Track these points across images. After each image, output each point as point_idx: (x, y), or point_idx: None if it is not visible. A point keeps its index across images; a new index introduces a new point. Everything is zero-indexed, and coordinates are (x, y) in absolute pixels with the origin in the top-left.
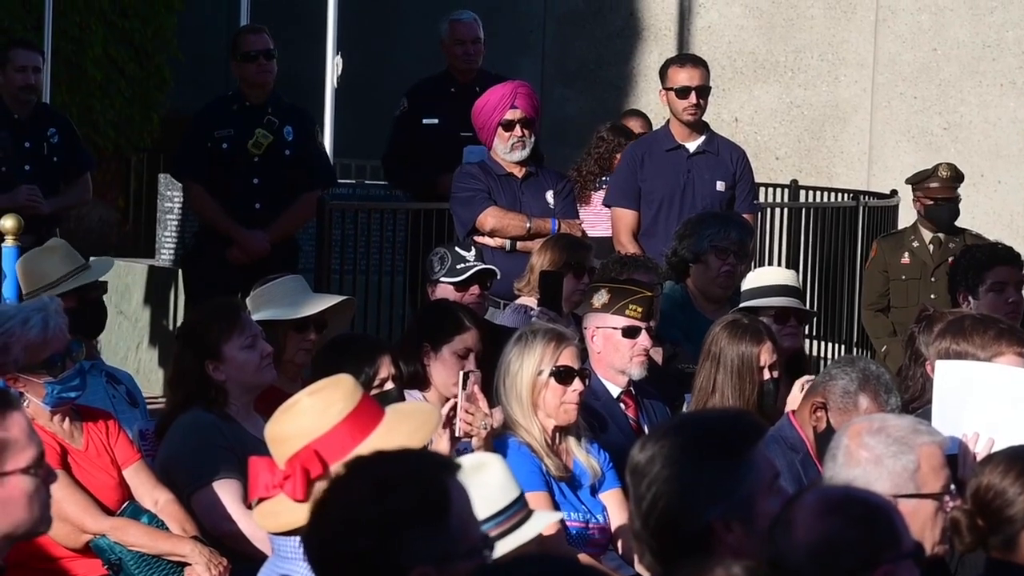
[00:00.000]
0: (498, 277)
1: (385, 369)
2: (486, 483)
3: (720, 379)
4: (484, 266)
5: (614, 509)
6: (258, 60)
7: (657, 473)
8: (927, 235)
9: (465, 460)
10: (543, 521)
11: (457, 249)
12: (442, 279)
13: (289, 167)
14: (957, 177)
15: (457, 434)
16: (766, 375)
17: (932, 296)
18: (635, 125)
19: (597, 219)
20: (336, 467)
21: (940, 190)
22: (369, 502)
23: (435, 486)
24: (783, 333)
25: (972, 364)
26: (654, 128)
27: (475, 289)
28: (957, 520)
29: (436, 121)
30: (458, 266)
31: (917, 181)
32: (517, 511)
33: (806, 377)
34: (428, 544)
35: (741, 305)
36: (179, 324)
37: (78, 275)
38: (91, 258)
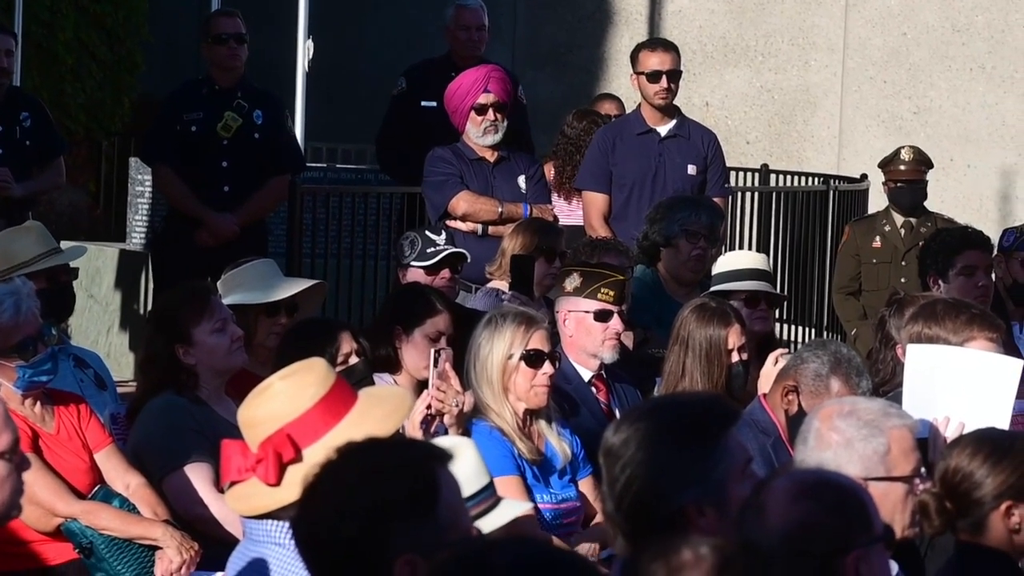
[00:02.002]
0: (468, 260)
1: (347, 344)
2: (456, 469)
3: (689, 363)
4: (454, 249)
5: (592, 496)
6: (229, 43)
7: (631, 456)
8: (898, 219)
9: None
10: (511, 510)
11: (427, 233)
12: (412, 263)
13: (258, 151)
14: (921, 160)
15: (431, 413)
16: (734, 357)
17: (903, 280)
18: (610, 109)
19: None
20: (310, 451)
21: (903, 172)
22: (358, 489)
23: (425, 475)
24: (753, 317)
25: (943, 348)
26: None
27: (445, 273)
28: (925, 503)
29: (435, 104)
30: (428, 250)
31: (884, 164)
32: (486, 498)
33: (780, 351)
34: (416, 533)
35: (712, 289)
36: (150, 308)
37: (51, 256)
38: (63, 243)
